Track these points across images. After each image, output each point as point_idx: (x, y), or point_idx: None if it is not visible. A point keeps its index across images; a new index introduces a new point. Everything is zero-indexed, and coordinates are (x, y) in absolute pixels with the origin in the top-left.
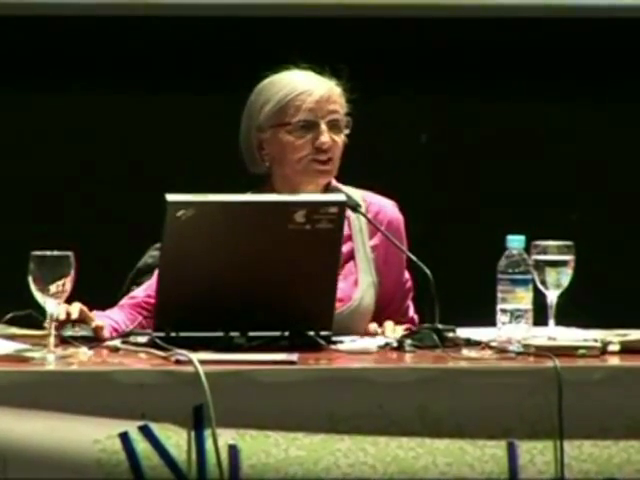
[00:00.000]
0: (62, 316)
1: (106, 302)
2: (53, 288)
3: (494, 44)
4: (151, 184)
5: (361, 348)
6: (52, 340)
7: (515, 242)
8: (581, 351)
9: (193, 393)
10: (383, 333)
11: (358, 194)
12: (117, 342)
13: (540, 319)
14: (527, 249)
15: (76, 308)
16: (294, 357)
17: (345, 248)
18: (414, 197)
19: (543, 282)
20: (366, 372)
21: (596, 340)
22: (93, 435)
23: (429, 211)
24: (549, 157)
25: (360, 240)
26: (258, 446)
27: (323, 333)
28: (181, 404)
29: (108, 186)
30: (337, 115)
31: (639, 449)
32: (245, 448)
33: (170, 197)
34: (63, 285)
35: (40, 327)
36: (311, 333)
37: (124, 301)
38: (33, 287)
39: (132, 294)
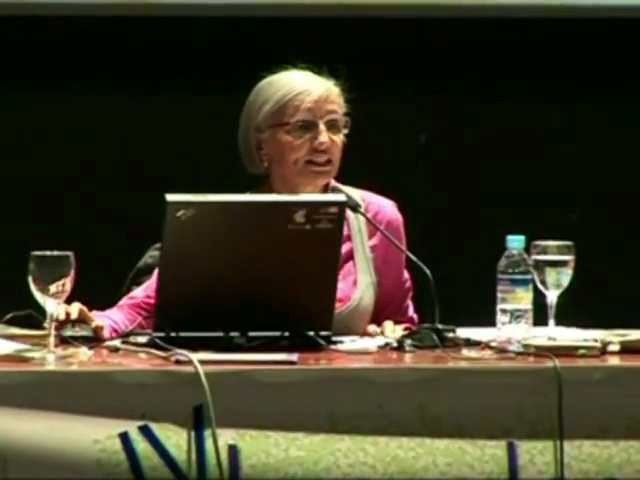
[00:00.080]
0: (62, 316)
1: (106, 302)
2: (53, 288)
3: (494, 44)
4: (151, 184)
5: (361, 348)
6: (52, 340)
7: (515, 242)
8: (581, 351)
9: (193, 393)
10: (382, 333)
11: (357, 194)
12: (117, 342)
13: (540, 319)
14: (527, 249)
15: (76, 308)
16: (294, 357)
17: (344, 248)
18: (414, 197)
19: (543, 282)
20: (366, 372)
21: (596, 340)
22: (93, 435)
23: (429, 211)
24: (549, 157)
25: (359, 240)
26: (258, 446)
27: (323, 333)
28: (181, 404)
29: (108, 186)
30: (336, 115)
31: (639, 449)
32: (245, 448)
33: (170, 197)
34: (63, 285)
35: (40, 327)
36: (311, 333)
37: (123, 301)
38: (33, 287)
39: (132, 294)
